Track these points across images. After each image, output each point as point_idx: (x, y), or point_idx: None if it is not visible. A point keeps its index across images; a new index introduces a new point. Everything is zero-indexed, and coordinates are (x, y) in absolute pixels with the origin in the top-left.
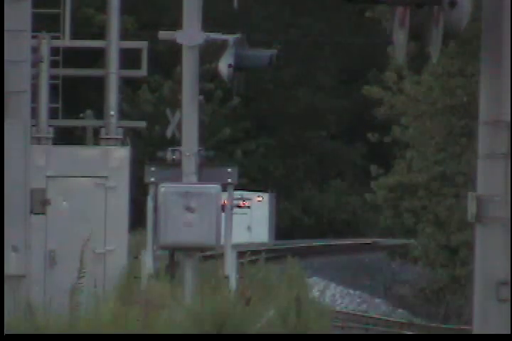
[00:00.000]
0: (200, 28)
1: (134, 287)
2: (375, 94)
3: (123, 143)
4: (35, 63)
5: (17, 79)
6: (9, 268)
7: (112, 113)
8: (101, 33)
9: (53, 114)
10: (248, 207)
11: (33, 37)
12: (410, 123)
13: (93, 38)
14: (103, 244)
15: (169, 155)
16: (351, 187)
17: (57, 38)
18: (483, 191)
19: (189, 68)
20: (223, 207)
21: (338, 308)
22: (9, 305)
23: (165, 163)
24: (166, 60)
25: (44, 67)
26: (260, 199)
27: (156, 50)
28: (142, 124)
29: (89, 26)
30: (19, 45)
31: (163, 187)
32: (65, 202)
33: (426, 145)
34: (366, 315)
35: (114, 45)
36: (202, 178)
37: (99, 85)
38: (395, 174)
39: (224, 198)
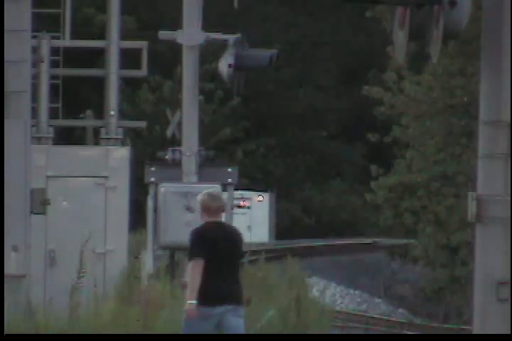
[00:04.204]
0: (200, 28)
1: (134, 287)
2: (375, 94)
3: (123, 143)
4: (35, 63)
5: (17, 79)
6: (9, 268)
7: (112, 113)
8: (101, 33)
9: (53, 114)
10: (248, 206)
11: (33, 37)
12: (410, 123)
13: (93, 38)
14: (103, 244)
15: (169, 155)
16: (351, 187)
17: (57, 38)
18: (483, 191)
19: (189, 68)
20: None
21: (338, 308)
22: (9, 305)
23: (165, 163)
24: (166, 60)
25: (44, 67)
26: (260, 199)
27: (156, 50)
28: (142, 124)
29: (89, 26)
30: (19, 45)
31: (163, 187)
32: (65, 202)
33: (426, 145)
34: (366, 315)
35: (114, 45)
36: (202, 178)
37: (99, 85)
38: (395, 174)
39: (224, 198)
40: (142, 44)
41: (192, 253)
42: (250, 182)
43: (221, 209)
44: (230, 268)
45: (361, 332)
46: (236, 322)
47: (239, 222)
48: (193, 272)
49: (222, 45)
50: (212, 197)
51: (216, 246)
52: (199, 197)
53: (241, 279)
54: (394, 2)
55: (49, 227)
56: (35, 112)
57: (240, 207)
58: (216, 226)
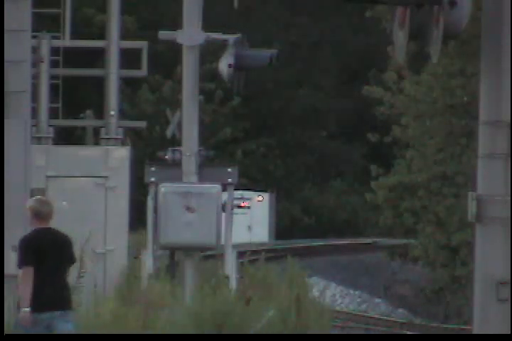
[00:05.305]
0: (200, 28)
1: (134, 287)
2: (375, 94)
3: (123, 143)
4: (35, 63)
5: (17, 79)
6: (9, 268)
7: (112, 113)
8: (101, 33)
9: (53, 114)
10: (248, 207)
11: (33, 37)
12: (410, 123)
13: (93, 38)
14: (103, 244)
15: (169, 155)
16: (351, 187)
17: (57, 38)
18: (483, 191)
19: (189, 68)
20: (223, 207)
21: (338, 308)
22: (9, 305)
23: (165, 163)
24: (166, 60)
25: (44, 67)
26: (260, 199)
27: (156, 50)
28: (142, 124)
29: (89, 26)
30: (19, 45)
31: (163, 187)
32: (65, 202)
33: (426, 146)
34: (366, 315)
35: (114, 45)
36: (202, 178)
37: (99, 85)
38: (395, 174)
39: (224, 198)
40: (142, 44)
41: (22, 261)
42: (250, 182)
43: (50, 215)
44: (59, 274)
45: (361, 332)
46: (64, 327)
47: (239, 222)
48: (23, 280)
49: (222, 45)
50: (41, 202)
51: (45, 253)
52: (28, 204)
53: (68, 283)
54: (394, 2)
55: None
56: (35, 112)
57: (240, 207)
58: (46, 233)
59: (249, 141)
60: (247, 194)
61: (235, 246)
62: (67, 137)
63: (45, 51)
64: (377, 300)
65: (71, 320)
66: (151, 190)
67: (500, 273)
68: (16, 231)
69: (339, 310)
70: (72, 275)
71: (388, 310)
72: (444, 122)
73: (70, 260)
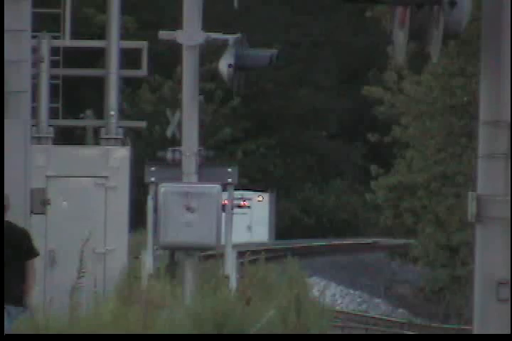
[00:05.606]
0: (200, 27)
1: (134, 287)
2: (375, 94)
3: (123, 143)
4: (35, 63)
5: (17, 79)
6: None
7: (112, 113)
8: (101, 33)
9: (53, 114)
10: (248, 206)
11: (33, 37)
12: (410, 123)
13: (93, 38)
14: (103, 243)
15: (169, 155)
16: (351, 187)
17: (57, 38)
18: (483, 191)
19: (189, 68)
20: (224, 207)
21: (338, 308)
22: None
23: (165, 163)
24: (166, 60)
25: (44, 67)
26: (260, 199)
27: (156, 50)
28: (142, 124)
29: (89, 26)
30: (19, 45)
31: (163, 187)
32: (65, 202)
33: (426, 146)
34: (366, 315)
35: (114, 45)
36: (202, 178)
37: (99, 85)
38: (395, 174)
39: (224, 198)
40: (142, 44)
41: None
42: (250, 182)
43: (7, 208)
44: (14, 268)
45: (361, 332)
46: (7, 323)
47: (239, 221)
48: None
49: (222, 45)
50: None
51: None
52: None
53: (26, 279)
54: (394, 2)
55: (49, 227)
56: (35, 112)
57: (240, 207)
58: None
59: (249, 141)
60: (247, 194)
61: (235, 246)
62: (67, 137)
63: (45, 51)
64: (377, 300)
65: (16, 317)
66: (151, 190)
67: (500, 273)
68: None
69: (339, 310)
70: (72, 275)
71: (388, 310)
72: (444, 122)
73: (29, 253)
